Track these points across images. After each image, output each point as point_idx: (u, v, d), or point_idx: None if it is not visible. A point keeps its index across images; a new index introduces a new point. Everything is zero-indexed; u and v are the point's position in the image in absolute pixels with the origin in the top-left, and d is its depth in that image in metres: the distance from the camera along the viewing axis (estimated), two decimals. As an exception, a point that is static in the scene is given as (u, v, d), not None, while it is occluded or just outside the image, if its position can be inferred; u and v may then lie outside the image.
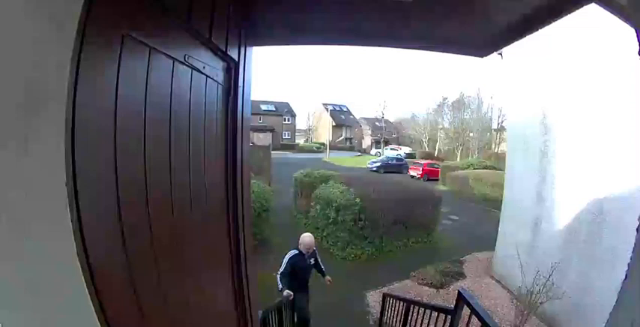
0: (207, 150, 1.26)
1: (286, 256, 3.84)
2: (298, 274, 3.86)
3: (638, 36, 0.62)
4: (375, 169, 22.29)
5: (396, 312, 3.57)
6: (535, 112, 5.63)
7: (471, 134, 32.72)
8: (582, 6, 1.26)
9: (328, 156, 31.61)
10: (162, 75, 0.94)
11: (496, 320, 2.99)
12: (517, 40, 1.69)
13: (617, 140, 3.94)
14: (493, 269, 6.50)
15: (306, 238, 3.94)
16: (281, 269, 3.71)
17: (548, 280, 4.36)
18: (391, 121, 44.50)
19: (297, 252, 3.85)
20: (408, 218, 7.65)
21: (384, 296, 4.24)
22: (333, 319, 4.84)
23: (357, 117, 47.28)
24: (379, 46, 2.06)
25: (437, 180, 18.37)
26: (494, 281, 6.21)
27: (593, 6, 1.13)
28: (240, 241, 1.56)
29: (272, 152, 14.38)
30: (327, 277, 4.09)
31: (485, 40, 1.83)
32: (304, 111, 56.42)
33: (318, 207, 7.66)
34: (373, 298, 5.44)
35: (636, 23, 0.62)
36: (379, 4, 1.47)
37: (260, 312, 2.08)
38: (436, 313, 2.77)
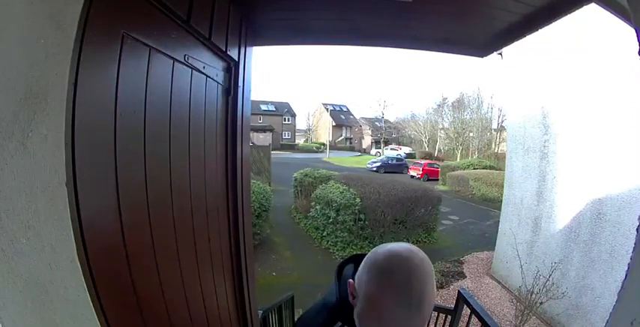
0: (207, 150, 1.26)
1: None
2: None
3: (638, 36, 0.62)
4: (374, 169, 22.28)
5: (396, 312, 3.56)
6: (535, 112, 5.62)
7: (471, 134, 32.69)
8: (582, 6, 1.26)
9: (328, 156, 31.60)
10: (162, 75, 0.94)
11: (496, 320, 3.00)
12: (517, 40, 1.69)
13: (617, 140, 3.93)
14: (493, 269, 6.49)
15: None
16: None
17: (548, 280, 4.36)
18: (391, 121, 44.48)
19: None
20: (408, 218, 7.65)
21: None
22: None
23: (357, 117, 47.26)
24: (379, 46, 2.06)
25: (437, 180, 18.35)
26: (494, 281, 6.20)
27: (593, 6, 1.13)
28: (240, 241, 1.56)
29: (272, 152, 14.36)
30: None
31: (485, 40, 1.83)
32: (304, 111, 56.61)
33: (318, 207, 7.66)
34: (373, 298, 5.44)
35: (636, 23, 0.62)
36: (379, 4, 1.47)
37: (260, 312, 2.07)
38: (436, 313, 2.77)
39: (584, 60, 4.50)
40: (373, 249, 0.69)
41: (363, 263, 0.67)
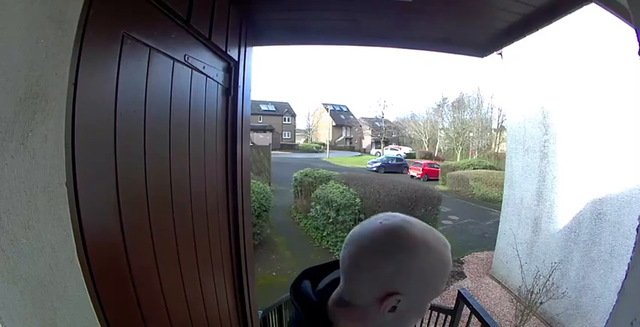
0: (207, 150, 1.26)
1: None
2: None
3: (638, 36, 0.62)
4: (374, 169, 22.26)
5: (396, 312, 3.56)
6: (535, 112, 5.62)
7: (471, 134, 32.67)
8: (582, 6, 1.26)
9: (328, 156, 31.61)
10: (162, 75, 0.93)
11: (496, 320, 3.00)
12: (517, 40, 1.68)
13: (617, 140, 3.93)
14: (493, 269, 6.49)
15: None
16: None
17: (548, 280, 4.36)
18: (391, 121, 44.46)
19: None
20: (408, 218, 7.66)
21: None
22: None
23: (357, 117, 47.26)
24: (379, 46, 2.06)
25: (437, 180, 18.35)
26: (494, 281, 6.20)
27: (593, 6, 1.13)
28: (240, 241, 1.56)
29: (272, 152, 14.37)
30: None
31: (485, 40, 1.83)
32: (304, 111, 56.54)
33: (318, 207, 7.66)
34: (373, 298, 5.43)
35: (636, 23, 0.62)
36: (379, 4, 1.47)
37: (260, 312, 2.07)
38: (436, 313, 2.77)
39: (584, 60, 4.50)
40: (362, 231, 0.53)
41: (378, 253, 0.50)
